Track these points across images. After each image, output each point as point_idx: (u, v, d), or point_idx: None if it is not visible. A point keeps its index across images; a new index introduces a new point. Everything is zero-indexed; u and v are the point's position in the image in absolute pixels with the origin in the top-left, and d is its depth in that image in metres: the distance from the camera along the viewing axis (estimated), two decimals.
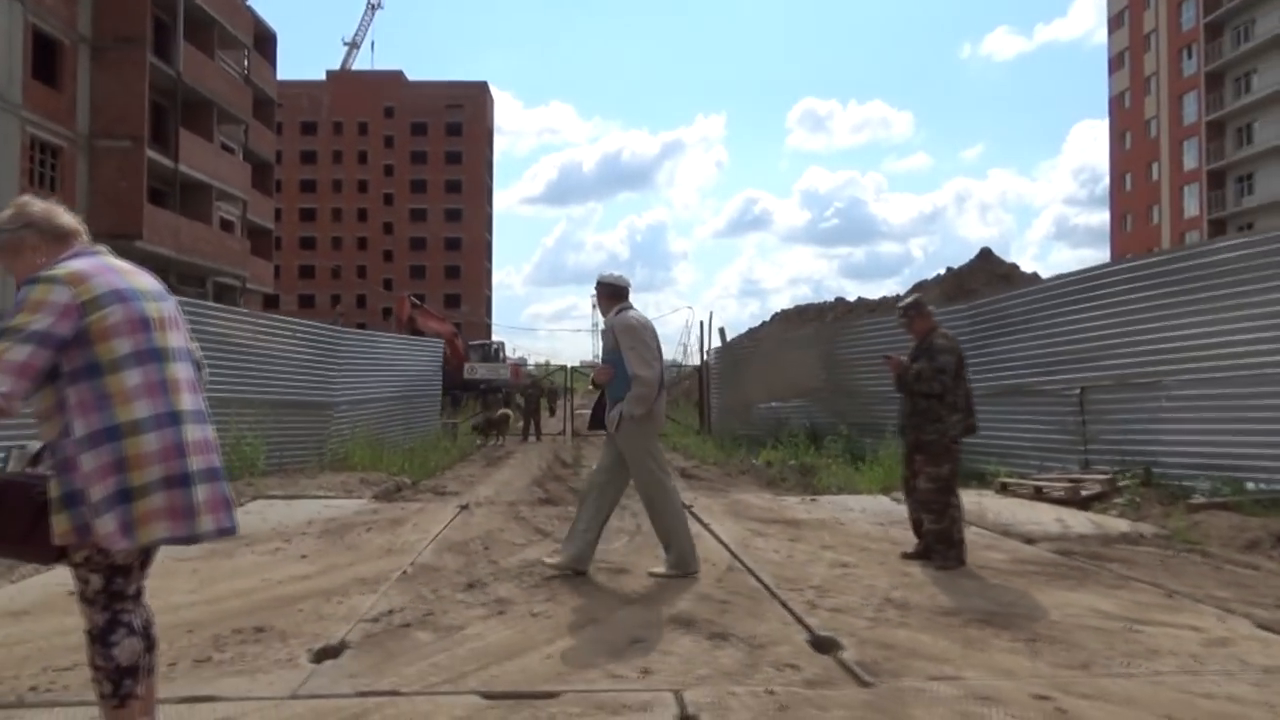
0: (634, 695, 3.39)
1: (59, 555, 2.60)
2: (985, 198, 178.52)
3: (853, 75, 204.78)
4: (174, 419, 2.61)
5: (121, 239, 25.11)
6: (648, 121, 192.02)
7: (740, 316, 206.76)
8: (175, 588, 5.03)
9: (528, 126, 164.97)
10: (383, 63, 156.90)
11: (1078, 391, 9.84)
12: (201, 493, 2.63)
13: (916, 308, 6.13)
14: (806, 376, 15.94)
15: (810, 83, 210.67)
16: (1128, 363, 9.22)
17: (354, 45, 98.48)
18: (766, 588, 5.19)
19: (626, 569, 5.79)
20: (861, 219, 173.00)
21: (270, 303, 47.60)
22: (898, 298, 29.79)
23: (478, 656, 3.90)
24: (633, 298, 5.90)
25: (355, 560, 6.10)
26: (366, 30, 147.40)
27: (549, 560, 5.62)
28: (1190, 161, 54.15)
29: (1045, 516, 7.65)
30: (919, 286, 22.24)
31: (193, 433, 2.67)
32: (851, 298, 31.68)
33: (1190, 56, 54.26)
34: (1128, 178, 60.42)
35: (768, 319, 37.35)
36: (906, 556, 6.02)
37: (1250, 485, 7.65)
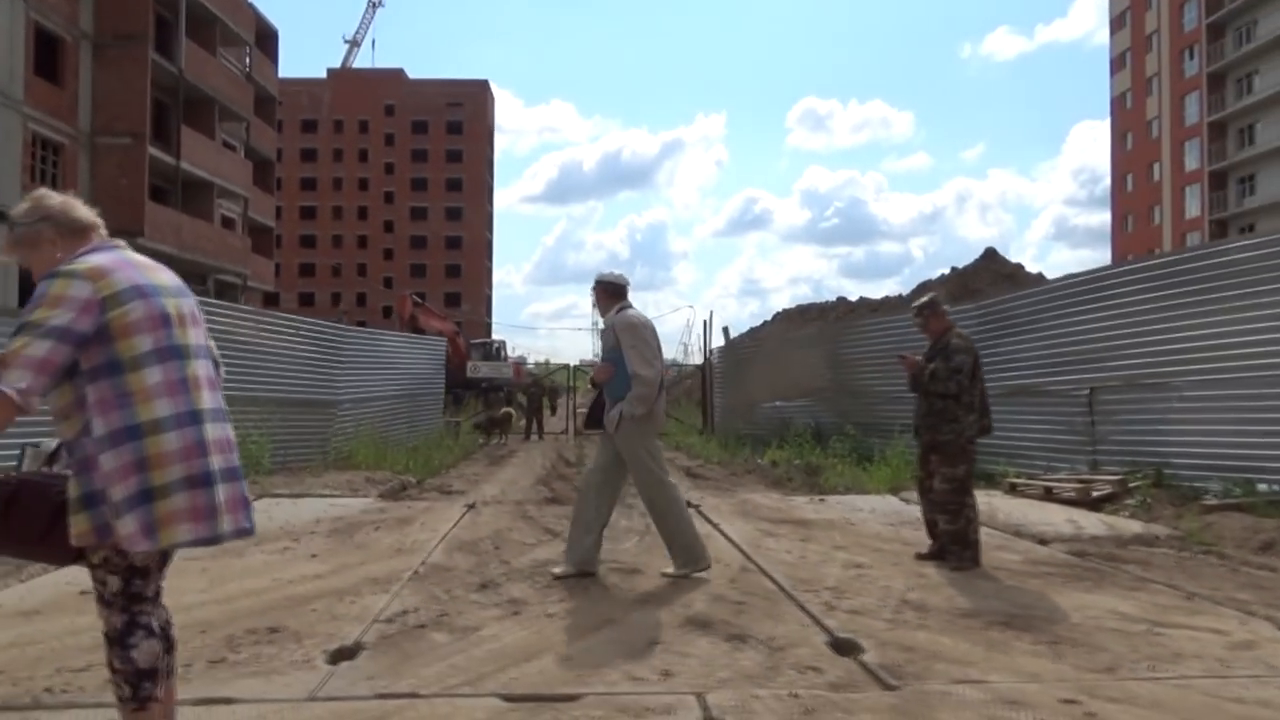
0: (656, 698, 3.35)
1: (76, 556, 2.55)
2: (985, 198, 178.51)
3: (853, 75, 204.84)
4: (195, 418, 2.57)
5: (123, 236, 24.29)
6: (648, 120, 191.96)
7: (740, 316, 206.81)
8: (186, 587, 4.98)
9: (528, 125, 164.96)
10: (383, 61, 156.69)
11: (1087, 392, 9.80)
12: (223, 492, 2.60)
13: (932, 307, 6.08)
14: (811, 376, 15.91)
15: (810, 82, 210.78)
16: (1137, 363, 9.19)
17: (355, 43, 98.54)
18: (782, 589, 5.15)
19: (639, 569, 5.75)
20: (861, 219, 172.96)
21: (270, 300, 47.51)
22: (900, 298, 29.76)
23: (495, 658, 3.86)
24: (632, 297, 5.83)
25: (365, 559, 6.06)
26: (367, 28, 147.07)
27: (556, 571, 5.53)
28: (1192, 162, 54.16)
29: (1057, 517, 7.62)
30: (924, 286, 22.21)
31: (213, 431, 2.63)
32: (852, 297, 31.71)
33: (1192, 57, 54.26)
34: (1129, 178, 60.42)
35: (769, 318, 37.38)
36: (920, 557, 5.98)
37: (1262, 486, 7.61)
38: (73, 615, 4.49)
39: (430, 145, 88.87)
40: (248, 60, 39.17)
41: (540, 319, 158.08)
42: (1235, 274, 8.22)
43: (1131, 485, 8.38)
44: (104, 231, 2.75)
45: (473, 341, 37.75)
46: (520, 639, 4.17)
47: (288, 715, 3.19)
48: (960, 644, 4.04)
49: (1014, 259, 21.79)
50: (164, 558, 2.66)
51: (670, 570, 5.53)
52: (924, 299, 6.22)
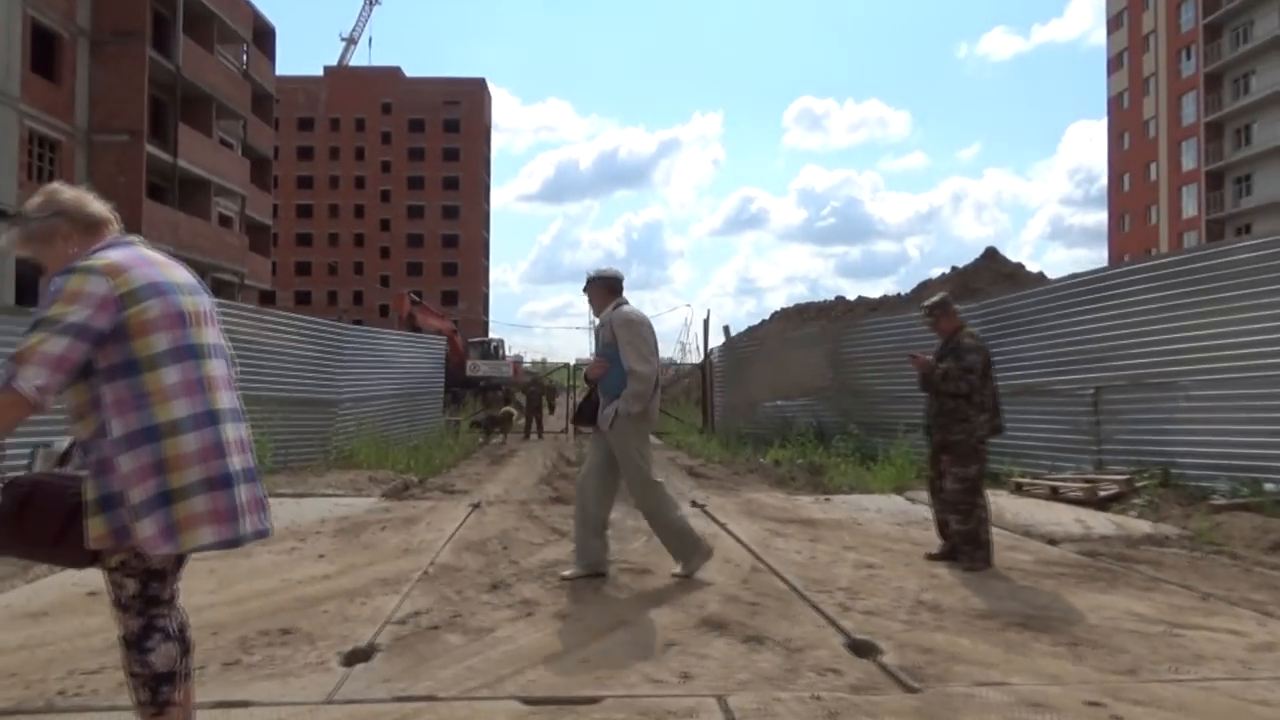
0: (676, 701, 3.32)
1: (92, 559, 2.51)
2: (981, 197, 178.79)
3: (850, 74, 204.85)
4: (212, 418, 2.53)
5: None
6: (644, 119, 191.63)
7: (736, 315, 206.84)
8: (195, 588, 4.92)
9: (524, 124, 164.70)
10: (380, 59, 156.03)
11: (1092, 391, 9.79)
12: (243, 493, 2.56)
13: (943, 306, 6.04)
14: (813, 375, 15.88)
15: (807, 81, 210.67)
16: (1143, 363, 9.18)
17: (352, 41, 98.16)
18: (794, 590, 5.12)
19: (649, 569, 5.72)
20: (858, 218, 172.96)
21: (267, 299, 47.30)
22: (898, 297, 29.75)
23: (511, 660, 3.83)
24: (628, 296, 5.74)
25: (373, 560, 6.02)
26: (364, 26, 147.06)
27: (566, 573, 5.47)
28: (1189, 162, 54.23)
29: (1065, 517, 7.60)
30: (924, 286, 22.19)
31: (231, 432, 2.60)
32: (849, 296, 31.68)
33: (1189, 57, 54.32)
34: (1126, 178, 60.49)
35: (766, 317, 37.36)
36: (931, 557, 5.96)
37: (1270, 486, 7.60)
38: (82, 617, 4.45)
39: (427, 143, 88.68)
40: (245, 58, 39.03)
41: (536, 318, 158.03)
42: (1240, 274, 8.21)
43: (1138, 485, 8.37)
44: (117, 227, 2.70)
45: (471, 340, 37.67)
46: (535, 640, 4.14)
47: (306, 718, 3.16)
48: (979, 645, 4.02)
49: (1010, 258, 21.85)
50: (179, 560, 2.62)
51: (679, 570, 5.49)
52: (936, 298, 6.18)
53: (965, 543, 5.72)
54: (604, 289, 5.65)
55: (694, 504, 9.04)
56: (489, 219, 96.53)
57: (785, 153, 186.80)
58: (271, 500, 8.80)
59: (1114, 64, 62.04)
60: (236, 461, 2.57)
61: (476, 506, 8.69)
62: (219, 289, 33.66)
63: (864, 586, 5.21)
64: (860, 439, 12.98)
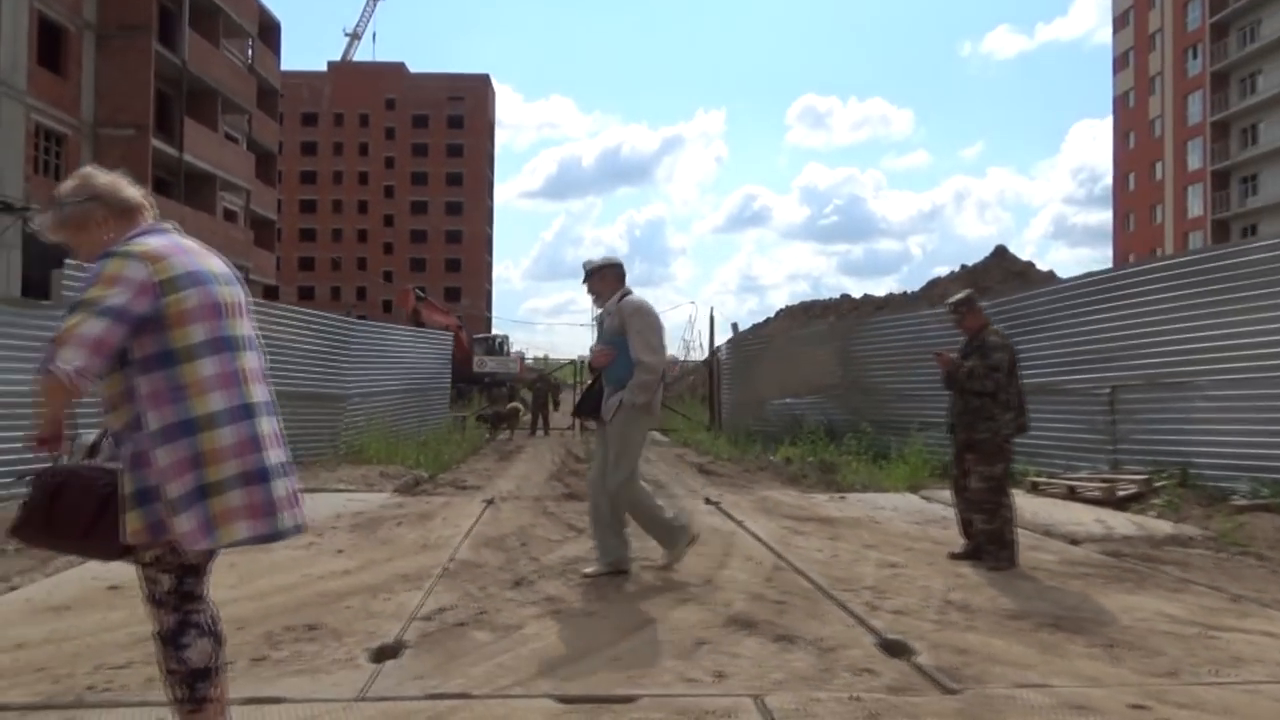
0: (713, 700, 3.28)
1: (122, 552, 2.46)
2: (984, 196, 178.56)
3: (853, 72, 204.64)
4: (248, 411, 2.49)
5: None
6: (648, 116, 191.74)
7: (739, 312, 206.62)
8: (216, 583, 4.75)
9: (528, 120, 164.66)
10: (384, 54, 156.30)
11: (1108, 391, 9.74)
12: (280, 488, 2.52)
13: (969, 304, 5.99)
14: (822, 373, 15.83)
15: (810, 79, 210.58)
16: (1159, 362, 9.12)
17: (355, 36, 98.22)
18: (820, 588, 5.08)
19: (672, 566, 5.66)
20: (860, 216, 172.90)
21: (270, 294, 47.22)
22: (904, 295, 29.69)
23: (542, 658, 3.79)
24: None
25: (392, 555, 5.98)
26: (368, 21, 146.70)
27: (588, 571, 5.41)
28: (1195, 162, 54.10)
29: (1084, 517, 7.55)
30: (934, 284, 22.12)
31: (266, 425, 2.56)
32: (852, 294, 31.61)
33: (1195, 56, 54.18)
34: (1131, 177, 60.36)
35: (771, 315, 37.28)
36: (954, 556, 5.91)
37: None
38: (104, 611, 4.42)
39: (431, 139, 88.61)
40: (250, 52, 39.00)
41: (538, 314, 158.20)
42: (1257, 274, 8.15)
43: (1157, 485, 8.32)
44: (153, 213, 2.65)
45: (476, 336, 37.68)
46: (565, 638, 4.09)
47: (340, 716, 3.11)
48: (1013, 646, 3.97)
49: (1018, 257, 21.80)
50: (209, 554, 2.58)
51: (659, 560, 5.47)
52: (961, 295, 6.12)
53: (990, 542, 5.67)
54: (613, 277, 5.55)
55: (708, 501, 9.01)
56: (492, 215, 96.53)
57: (788, 150, 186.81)
58: None
59: (1120, 63, 61.89)
60: (272, 455, 2.53)
61: (490, 503, 8.65)
62: None
63: (890, 585, 5.16)
64: (872, 437, 12.93)
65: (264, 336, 2.69)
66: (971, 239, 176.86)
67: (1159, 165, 57.38)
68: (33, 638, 3.95)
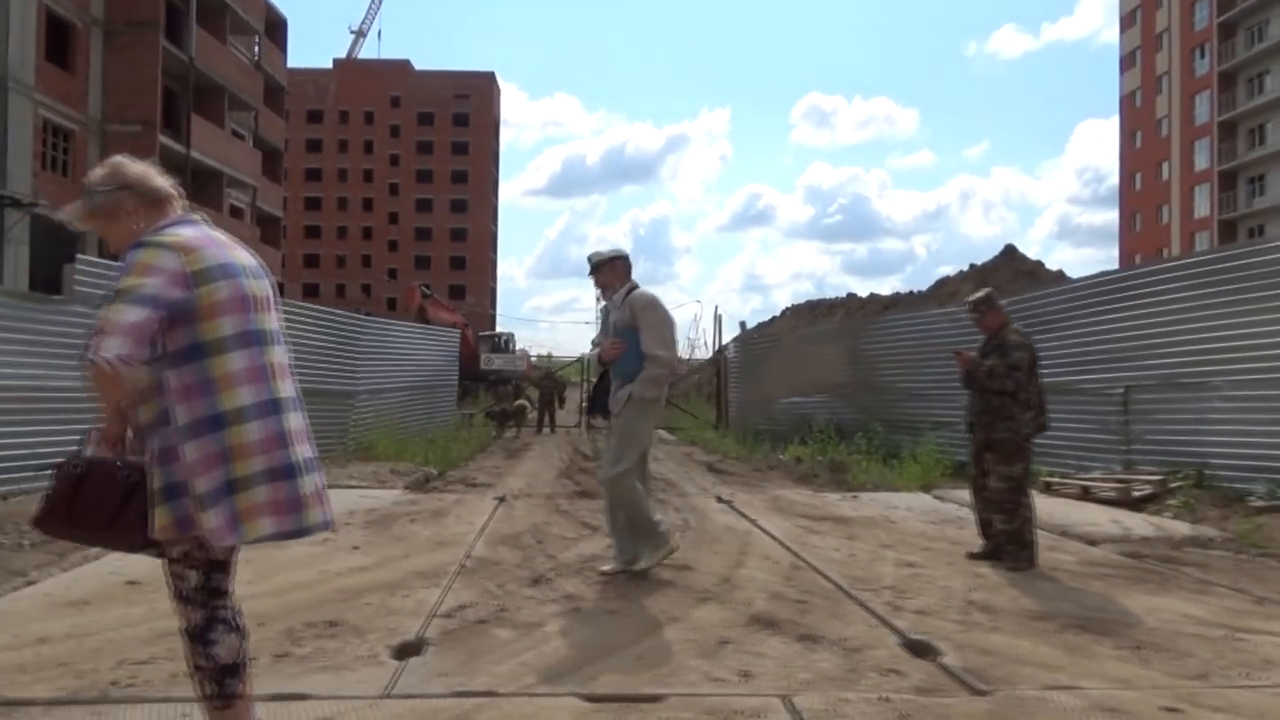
0: (741, 700, 3.25)
1: (145, 544, 2.44)
2: (989, 196, 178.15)
3: (858, 71, 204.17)
4: (275, 406, 2.48)
5: None
6: (652, 115, 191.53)
7: (743, 311, 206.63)
8: None
9: (532, 119, 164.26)
10: (390, 52, 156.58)
11: (1121, 391, 9.69)
12: (307, 484, 2.50)
13: (989, 302, 5.95)
14: (831, 372, 15.80)
15: (815, 78, 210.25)
16: (1173, 362, 9.08)
17: (361, 33, 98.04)
18: (840, 588, 5.05)
19: (689, 565, 5.64)
20: (865, 215, 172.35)
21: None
22: (911, 294, 29.64)
23: (566, 656, 3.77)
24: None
25: (409, 552, 5.96)
26: (374, 19, 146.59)
27: (605, 569, 5.38)
28: (1202, 162, 53.91)
29: (1100, 517, 7.51)
30: (943, 283, 22.07)
31: (293, 421, 2.54)
32: (858, 294, 31.57)
33: (1203, 56, 53.98)
34: (1137, 177, 60.18)
35: (776, 314, 37.26)
36: (973, 556, 5.88)
37: None
38: (124, 606, 4.40)
39: (436, 137, 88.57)
40: (257, 49, 39.01)
41: (542, 312, 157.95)
42: (1272, 274, 8.10)
43: (1172, 486, 8.27)
44: (182, 203, 2.62)
45: (481, 334, 37.69)
46: (587, 636, 4.07)
47: (366, 713, 3.10)
48: (1040, 648, 3.94)
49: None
50: (234, 549, 2.56)
51: (641, 564, 5.25)
52: (980, 293, 6.09)
53: (1009, 542, 5.63)
54: (622, 269, 5.50)
55: (719, 499, 8.99)
56: (497, 213, 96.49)
57: (793, 149, 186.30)
58: None
59: (1126, 62, 61.70)
60: (299, 451, 2.51)
61: (502, 500, 8.64)
62: None
63: (910, 585, 5.14)
64: (883, 436, 12.89)
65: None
66: (976, 239, 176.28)
67: (1165, 165, 57.21)
68: (54, 633, 3.93)
